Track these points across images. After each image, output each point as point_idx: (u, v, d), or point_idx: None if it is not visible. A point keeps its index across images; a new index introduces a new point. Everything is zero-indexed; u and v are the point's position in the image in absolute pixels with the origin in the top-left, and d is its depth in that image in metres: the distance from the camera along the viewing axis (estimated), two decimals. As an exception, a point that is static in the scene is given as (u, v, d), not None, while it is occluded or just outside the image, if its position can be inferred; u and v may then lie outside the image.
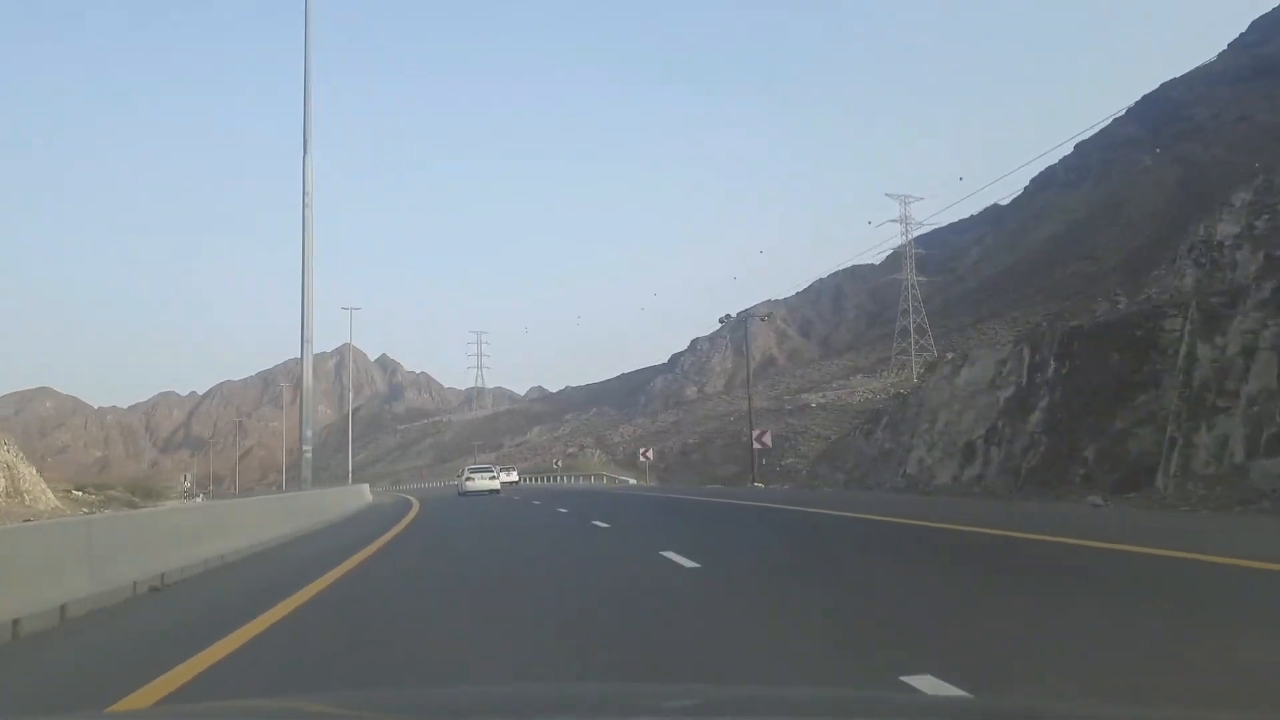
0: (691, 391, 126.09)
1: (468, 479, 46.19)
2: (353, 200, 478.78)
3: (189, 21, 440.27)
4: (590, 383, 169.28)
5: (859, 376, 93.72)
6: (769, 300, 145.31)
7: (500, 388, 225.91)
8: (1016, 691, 4.34)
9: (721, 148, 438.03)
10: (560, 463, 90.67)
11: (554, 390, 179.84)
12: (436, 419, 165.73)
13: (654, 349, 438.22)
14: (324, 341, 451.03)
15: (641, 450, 71.21)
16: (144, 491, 72.75)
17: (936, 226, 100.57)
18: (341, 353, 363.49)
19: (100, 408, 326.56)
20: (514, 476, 65.07)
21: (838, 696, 3.14)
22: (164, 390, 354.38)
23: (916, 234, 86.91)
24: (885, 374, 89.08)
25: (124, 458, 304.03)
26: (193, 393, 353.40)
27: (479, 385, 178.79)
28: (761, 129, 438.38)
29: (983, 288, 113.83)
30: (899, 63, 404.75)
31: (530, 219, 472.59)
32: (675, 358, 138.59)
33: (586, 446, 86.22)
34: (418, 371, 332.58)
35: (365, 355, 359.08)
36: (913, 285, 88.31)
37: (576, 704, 2.61)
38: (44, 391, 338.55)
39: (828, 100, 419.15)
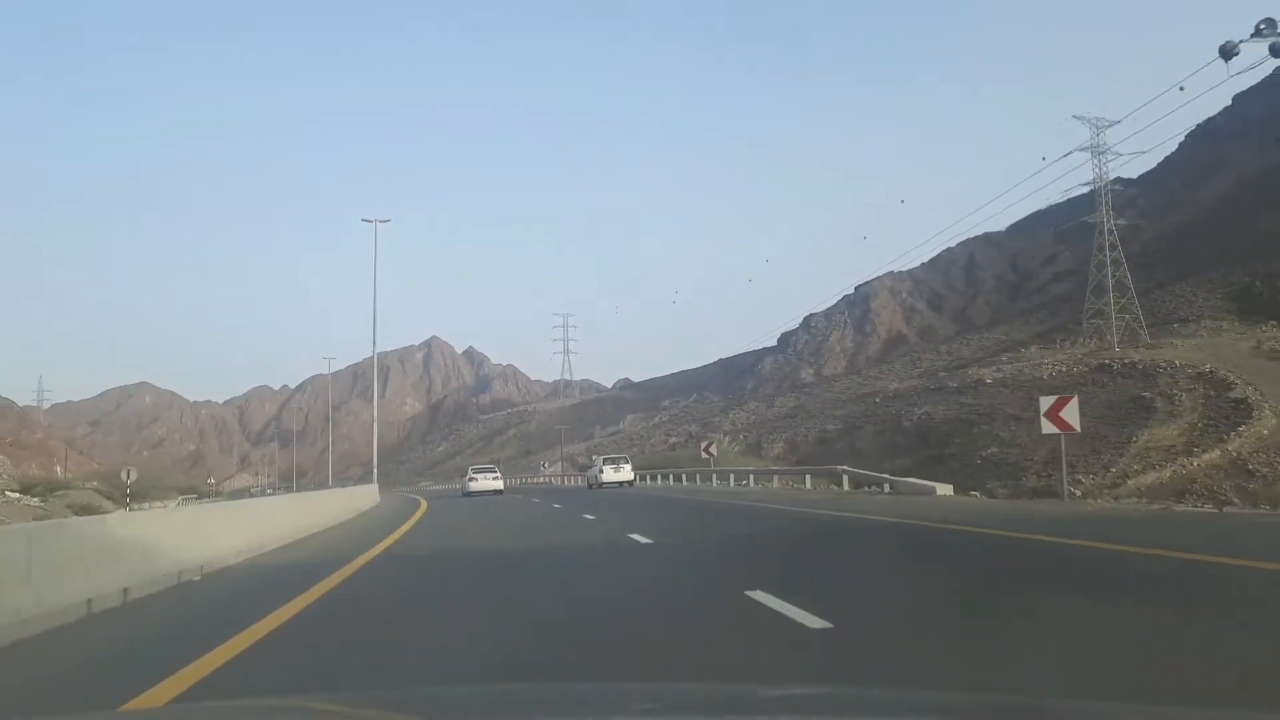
0: (807, 373, 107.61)
1: (471, 479, 45.99)
2: (443, 193, 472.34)
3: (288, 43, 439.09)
4: (685, 369, 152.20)
5: (1034, 348, 74.04)
6: (891, 273, 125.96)
7: (587, 380, 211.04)
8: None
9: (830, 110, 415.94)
10: (665, 453, 73.26)
11: (638, 380, 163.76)
12: (521, 408, 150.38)
13: (756, 331, 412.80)
14: (413, 334, 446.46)
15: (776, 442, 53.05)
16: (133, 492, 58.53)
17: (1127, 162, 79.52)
18: (429, 345, 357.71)
19: (195, 402, 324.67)
20: (627, 474, 45.33)
21: (828, 694, 3.07)
22: (259, 384, 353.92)
23: (1110, 175, 66.66)
24: (1077, 342, 69.23)
25: (217, 451, 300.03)
26: (285, 386, 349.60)
27: (565, 371, 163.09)
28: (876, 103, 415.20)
29: (1167, 244, 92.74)
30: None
31: (617, 199, 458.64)
32: (786, 338, 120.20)
33: (716, 434, 68.52)
34: (504, 364, 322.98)
35: (452, 348, 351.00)
36: (1111, 231, 68.12)
37: (581, 703, 2.53)
38: (144, 387, 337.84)
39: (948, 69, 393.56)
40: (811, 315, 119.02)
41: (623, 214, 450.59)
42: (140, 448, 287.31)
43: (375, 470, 47.22)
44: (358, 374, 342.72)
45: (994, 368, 65.29)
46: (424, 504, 33.71)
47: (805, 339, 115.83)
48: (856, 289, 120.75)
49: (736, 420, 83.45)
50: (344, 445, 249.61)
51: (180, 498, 70.15)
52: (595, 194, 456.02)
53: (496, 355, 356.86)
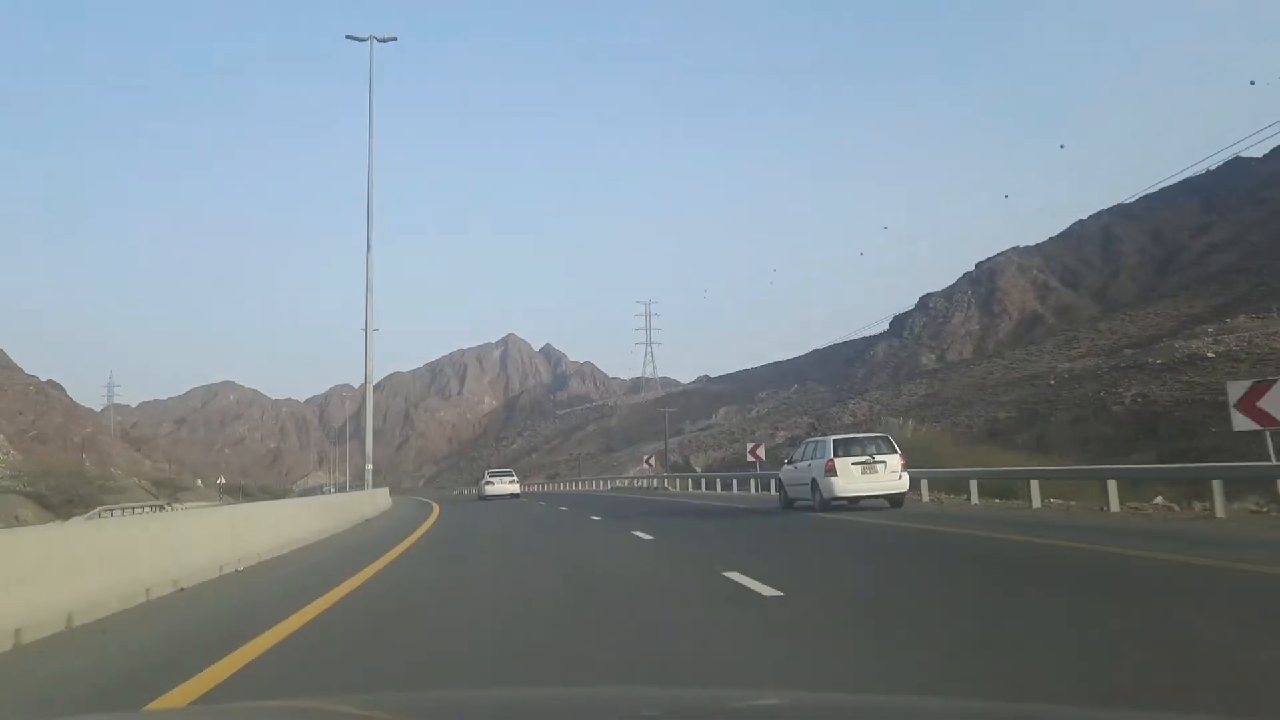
0: (928, 359, 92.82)
1: (487, 483, 45.16)
2: (520, 188, 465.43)
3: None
4: (769, 362, 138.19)
5: (1241, 317, 58.60)
6: (1016, 249, 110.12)
7: (666, 377, 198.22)
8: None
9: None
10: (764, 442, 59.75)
11: (716, 376, 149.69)
12: (601, 403, 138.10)
13: (855, 318, 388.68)
14: (490, 332, 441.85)
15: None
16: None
17: None
18: (506, 342, 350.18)
19: (276, 400, 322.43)
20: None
21: (831, 701, 3.05)
22: (339, 383, 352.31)
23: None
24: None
25: (296, 449, 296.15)
26: (364, 384, 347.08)
27: (647, 361, 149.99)
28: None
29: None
30: None
31: (705, 177, 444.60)
32: (900, 321, 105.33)
33: (895, 417, 54.98)
34: (582, 361, 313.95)
35: (529, 345, 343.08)
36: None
37: (592, 708, 2.53)
38: (228, 385, 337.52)
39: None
40: (929, 295, 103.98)
41: (710, 194, 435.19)
42: (222, 445, 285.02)
43: (369, 471, 34.04)
44: (435, 371, 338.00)
45: (1209, 339, 50.48)
46: (436, 510, 29.71)
47: (923, 322, 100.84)
48: (978, 266, 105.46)
49: (859, 410, 69.51)
50: (419, 442, 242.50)
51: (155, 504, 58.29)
52: (680, 176, 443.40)
53: (574, 353, 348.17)
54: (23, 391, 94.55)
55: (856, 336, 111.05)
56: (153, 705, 4.47)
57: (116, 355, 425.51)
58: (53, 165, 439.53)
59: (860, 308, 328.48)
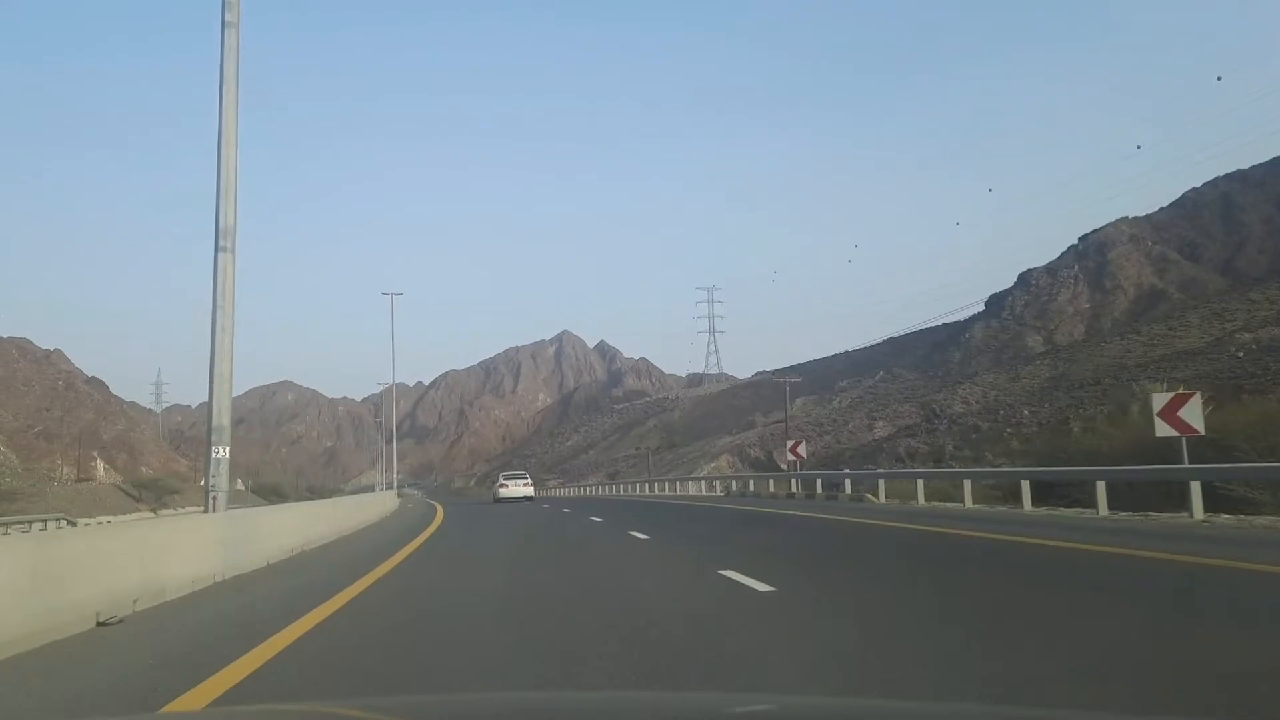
0: (1034, 340, 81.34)
1: (501, 485, 42.90)
2: (573, 181, 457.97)
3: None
4: (852, 349, 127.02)
5: None
6: (1124, 219, 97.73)
7: (724, 374, 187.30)
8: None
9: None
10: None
11: (774, 370, 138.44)
12: (662, 396, 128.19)
13: (931, 303, 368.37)
14: (544, 329, 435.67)
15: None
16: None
17: None
18: (561, 339, 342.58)
19: (333, 399, 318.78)
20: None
21: (856, 706, 3.01)
22: (395, 381, 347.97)
23: None
24: None
25: (352, 447, 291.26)
26: (419, 383, 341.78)
27: (710, 351, 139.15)
28: None
29: None
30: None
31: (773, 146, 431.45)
32: (997, 301, 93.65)
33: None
34: (637, 358, 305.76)
35: (584, 342, 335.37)
36: None
37: (602, 714, 2.47)
38: (286, 385, 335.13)
39: None
40: (1030, 272, 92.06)
41: (780, 172, 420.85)
42: (279, 444, 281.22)
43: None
44: (489, 369, 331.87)
45: None
46: (440, 514, 26.44)
47: (1024, 300, 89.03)
48: (1083, 239, 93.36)
49: (970, 396, 58.72)
50: (472, 440, 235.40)
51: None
52: (747, 149, 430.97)
53: (629, 349, 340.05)
54: (50, 387, 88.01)
55: (943, 320, 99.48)
56: (168, 708, 4.18)
57: (174, 356, 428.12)
58: (115, 171, 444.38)
59: (938, 293, 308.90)
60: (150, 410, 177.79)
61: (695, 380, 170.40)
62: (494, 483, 52.41)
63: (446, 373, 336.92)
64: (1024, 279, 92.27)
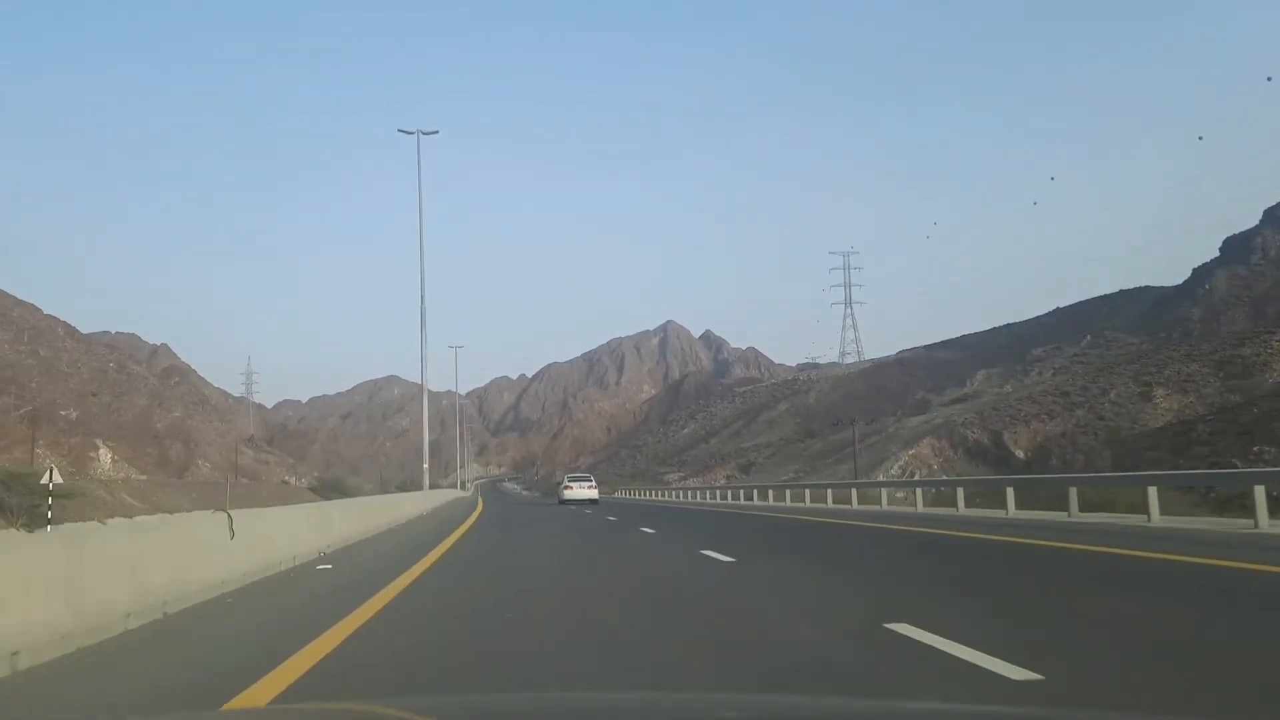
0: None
1: (566, 487, 41.51)
2: (682, 168, 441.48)
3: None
4: (980, 328, 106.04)
5: None
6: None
7: (844, 357, 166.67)
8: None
9: None
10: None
11: (903, 351, 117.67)
12: (792, 377, 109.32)
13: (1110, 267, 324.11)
14: (648, 319, 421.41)
15: None
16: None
17: None
18: (665, 329, 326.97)
19: (437, 392, 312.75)
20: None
21: (853, 707, 2.89)
22: (499, 375, 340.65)
23: None
24: None
25: (455, 440, 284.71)
26: (522, 375, 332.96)
27: (847, 322, 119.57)
28: None
29: None
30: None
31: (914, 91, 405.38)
32: (1239, 243, 71.54)
33: None
34: (744, 347, 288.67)
35: (689, 332, 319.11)
36: None
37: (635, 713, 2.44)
38: (392, 380, 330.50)
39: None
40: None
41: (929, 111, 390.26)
42: (384, 438, 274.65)
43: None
44: (593, 361, 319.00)
45: None
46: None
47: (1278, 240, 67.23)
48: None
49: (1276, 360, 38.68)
50: (576, 431, 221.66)
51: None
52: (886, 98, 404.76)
53: (736, 339, 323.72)
54: (100, 370, 75.78)
55: (1114, 287, 77.27)
56: (228, 706, 4.10)
57: (290, 354, 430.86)
58: (249, 183, 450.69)
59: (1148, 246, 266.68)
60: (234, 399, 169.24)
61: (808, 367, 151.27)
62: (604, 478, 39.44)
63: (549, 364, 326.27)
64: (1271, 215, 70.08)
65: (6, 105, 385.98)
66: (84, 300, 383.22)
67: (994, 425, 47.79)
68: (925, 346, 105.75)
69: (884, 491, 27.48)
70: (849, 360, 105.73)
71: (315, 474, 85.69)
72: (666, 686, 4.24)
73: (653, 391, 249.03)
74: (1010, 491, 20.00)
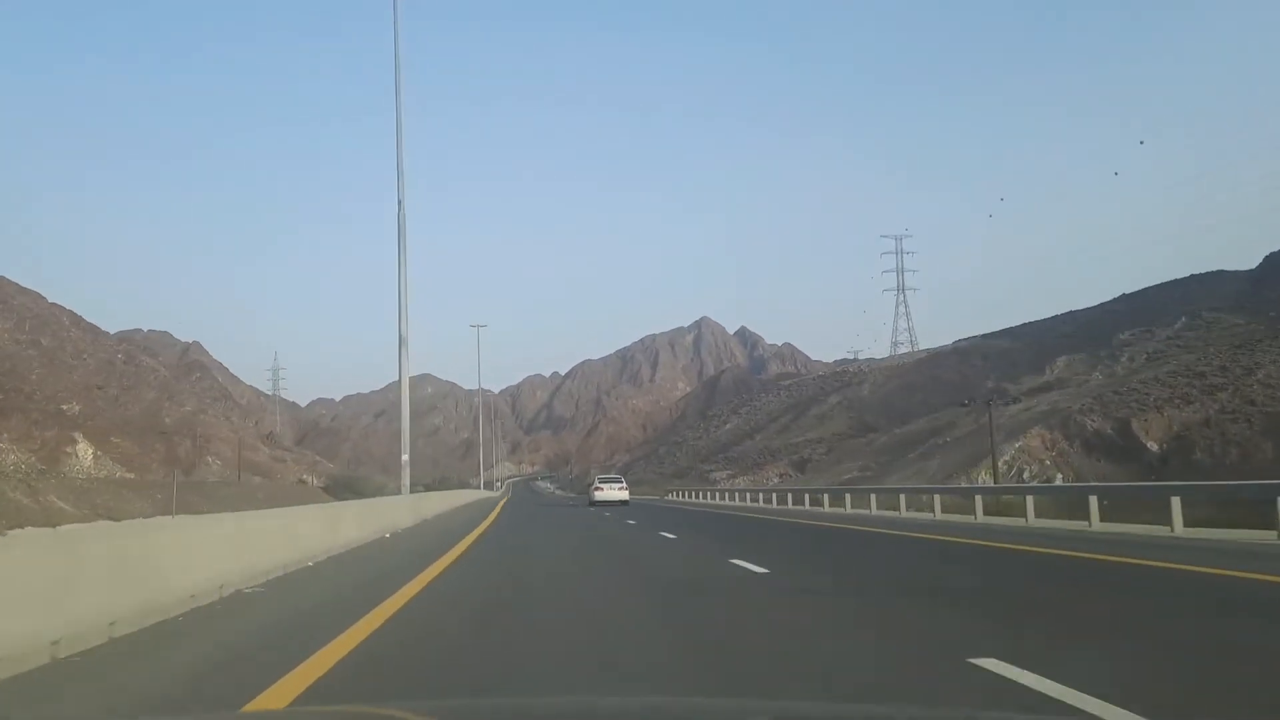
0: None
1: (596, 488, 39.49)
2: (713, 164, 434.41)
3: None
4: (1097, 302, 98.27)
5: None
6: None
7: (884, 348, 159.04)
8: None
9: None
10: None
11: (975, 336, 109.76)
12: (844, 365, 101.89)
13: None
14: (682, 316, 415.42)
15: None
16: None
17: None
18: (699, 326, 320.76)
19: (470, 390, 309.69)
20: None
21: (850, 711, 2.84)
22: (532, 373, 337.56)
23: None
24: None
25: (488, 439, 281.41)
26: (555, 373, 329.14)
27: (899, 310, 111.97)
28: None
29: None
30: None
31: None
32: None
33: None
34: (780, 343, 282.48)
35: (723, 328, 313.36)
36: None
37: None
38: (426, 378, 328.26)
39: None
40: None
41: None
42: (417, 436, 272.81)
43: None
44: (626, 358, 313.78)
45: None
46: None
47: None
48: None
49: None
50: (610, 428, 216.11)
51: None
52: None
53: (771, 335, 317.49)
54: (107, 361, 70.83)
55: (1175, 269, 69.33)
56: (248, 708, 3.96)
57: (325, 353, 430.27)
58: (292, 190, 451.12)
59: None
60: (260, 394, 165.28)
61: (845, 363, 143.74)
62: (640, 478, 32.87)
63: (582, 362, 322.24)
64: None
65: (58, 114, 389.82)
66: (116, 299, 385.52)
67: (1118, 412, 40.37)
68: (982, 336, 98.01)
69: (979, 499, 20.83)
70: (902, 350, 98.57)
71: (335, 471, 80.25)
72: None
73: (687, 389, 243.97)
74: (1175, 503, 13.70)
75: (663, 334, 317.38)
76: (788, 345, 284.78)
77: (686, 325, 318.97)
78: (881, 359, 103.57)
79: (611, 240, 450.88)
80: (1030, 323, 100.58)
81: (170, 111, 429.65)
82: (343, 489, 55.03)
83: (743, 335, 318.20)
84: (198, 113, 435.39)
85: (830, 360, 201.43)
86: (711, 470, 69.34)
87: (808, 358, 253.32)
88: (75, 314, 72.66)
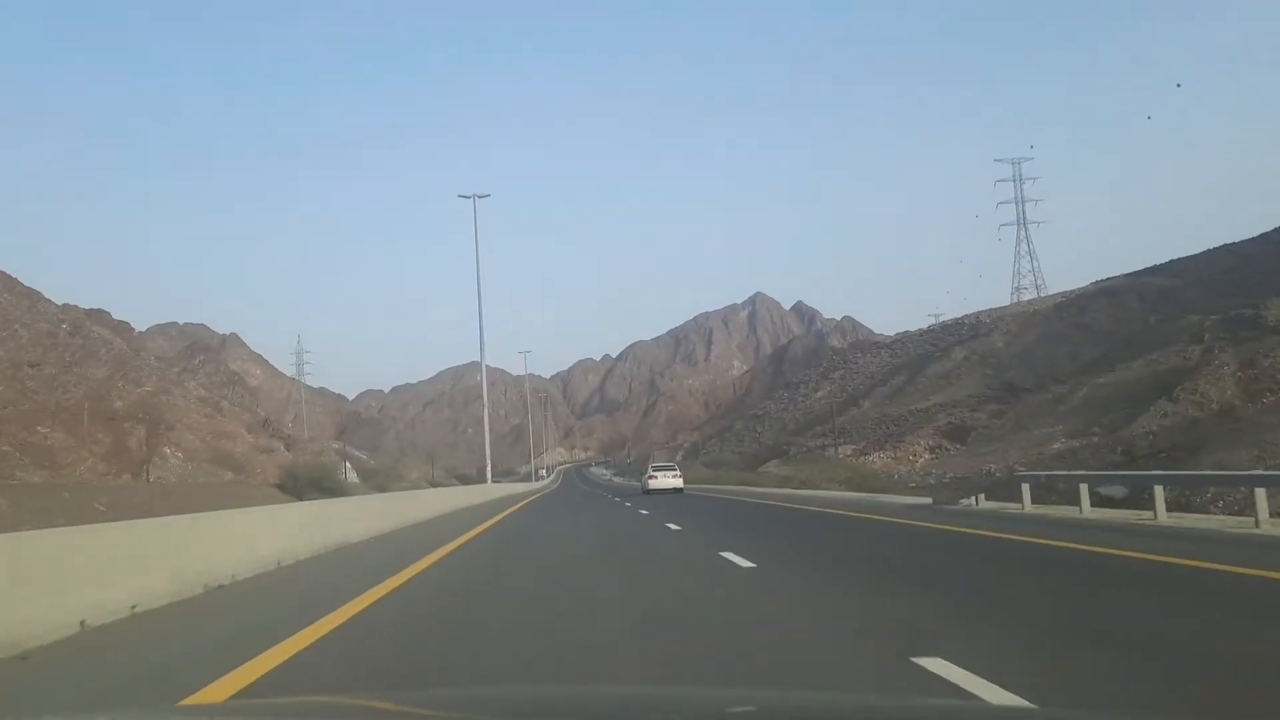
0: None
1: (650, 476, 38.22)
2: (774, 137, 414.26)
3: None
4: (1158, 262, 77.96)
5: None
6: None
7: (982, 305, 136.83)
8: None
9: None
10: None
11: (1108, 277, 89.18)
12: (964, 315, 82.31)
13: None
14: (735, 293, 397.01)
15: None
16: None
17: None
18: (754, 302, 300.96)
19: (519, 375, 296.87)
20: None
21: (847, 704, 2.77)
22: (583, 357, 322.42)
23: None
24: None
25: (538, 425, 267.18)
26: (606, 356, 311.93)
27: (1021, 250, 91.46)
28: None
29: None
30: None
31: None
32: None
33: None
34: (839, 317, 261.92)
35: (778, 304, 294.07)
36: None
37: (639, 706, 2.37)
38: (474, 366, 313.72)
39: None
40: None
41: None
42: (466, 425, 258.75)
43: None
44: (679, 338, 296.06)
45: None
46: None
47: None
48: None
49: None
50: (670, 408, 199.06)
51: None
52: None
53: (828, 309, 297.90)
54: (47, 333, 55.19)
55: None
56: (185, 702, 4.01)
57: (374, 343, 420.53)
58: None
59: None
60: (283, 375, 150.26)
61: (925, 333, 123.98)
62: (712, 458, 13.95)
63: (634, 343, 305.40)
64: None
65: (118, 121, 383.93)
66: (170, 290, 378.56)
67: None
68: (1131, 274, 78.05)
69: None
70: (1027, 297, 79.49)
71: (319, 465, 64.37)
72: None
73: (744, 367, 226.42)
74: None
75: (716, 311, 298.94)
76: (847, 318, 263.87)
77: (740, 302, 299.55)
78: (1000, 307, 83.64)
79: (660, 219, 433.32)
80: (1178, 259, 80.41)
81: (243, 127, 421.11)
82: (307, 486, 38.56)
83: (799, 310, 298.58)
84: (268, 137, 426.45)
85: (892, 334, 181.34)
86: (822, 448, 51.80)
87: (870, 330, 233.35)
88: (9, 276, 56.93)
